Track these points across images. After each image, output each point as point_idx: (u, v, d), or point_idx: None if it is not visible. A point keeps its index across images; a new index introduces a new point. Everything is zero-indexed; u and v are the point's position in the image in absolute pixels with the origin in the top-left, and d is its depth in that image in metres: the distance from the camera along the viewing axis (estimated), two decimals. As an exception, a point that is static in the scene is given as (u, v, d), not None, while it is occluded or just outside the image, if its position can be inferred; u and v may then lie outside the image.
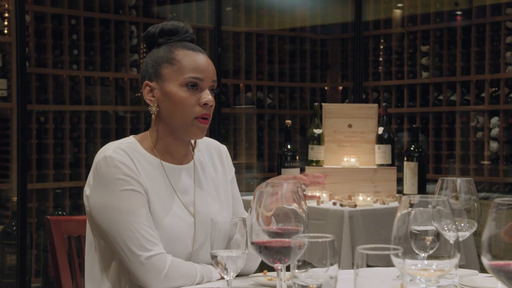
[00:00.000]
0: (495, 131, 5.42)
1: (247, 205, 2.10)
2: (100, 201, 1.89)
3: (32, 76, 4.76)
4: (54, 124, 4.87)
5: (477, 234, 1.78)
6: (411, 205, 1.33)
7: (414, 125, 3.98)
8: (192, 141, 2.07)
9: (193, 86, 1.94)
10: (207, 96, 1.94)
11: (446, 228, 1.35)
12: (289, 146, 3.75)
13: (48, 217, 2.20)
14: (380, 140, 3.76)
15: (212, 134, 4.75)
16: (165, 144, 1.99)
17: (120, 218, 1.85)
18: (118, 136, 4.91)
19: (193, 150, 2.06)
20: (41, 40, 4.85)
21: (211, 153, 2.11)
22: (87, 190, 1.93)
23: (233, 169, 2.16)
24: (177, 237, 1.91)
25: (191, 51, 1.97)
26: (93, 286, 1.97)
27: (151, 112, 1.96)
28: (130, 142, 1.97)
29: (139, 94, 5.26)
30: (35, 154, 4.77)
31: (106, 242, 1.92)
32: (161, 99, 1.95)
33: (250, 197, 2.74)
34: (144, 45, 5.24)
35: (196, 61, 1.95)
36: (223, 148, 2.15)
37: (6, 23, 4.51)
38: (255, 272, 2.02)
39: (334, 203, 3.54)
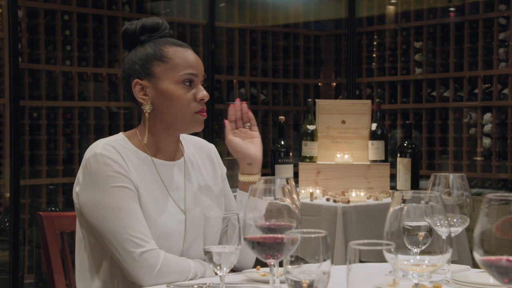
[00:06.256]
0: (488, 127, 5.43)
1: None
2: (91, 198, 1.88)
3: (24, 72, 4.75)
4: (47, 120, 4.85)
5: (469, 230, 1.79)
6: (404, 201, 1.33)
7: (407, 121, 3.99)
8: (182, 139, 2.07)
9: (190, 82, 1.96)
10: (202, 92, 1.97)
11: (438, 224, 1.36)
12: (282, 142, 3.75)
13: (41, 213, 2.19)
14: (373, 136, 3.77)
15: (205, 130, 4.74)
16: (156, 140, 1.98)
17: (111, 215, 1.84)
18: (112, 132, 4.91)
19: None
20: (33, 36, 4.84)
21: (200, 152, 2.11)
22: (76, 188, 1.92)
23: (224, 168, 2.17)
24: (168, 235, 1.91)
25: (180, 48, 1.98)
26: (84, 285, 1.95)
27: (145, 110, 1.96)
28: (119, 139, 1.97)
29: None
30: (28, 150, 4.76)
31: (96, 239, 1.91)
32: (156, 97, 1.95)
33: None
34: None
35: (187, 57, 1.97)
36: (212, 147, 2.16)
37: (-2, 18, 4.50)
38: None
39: (328, 199, 3.54)
